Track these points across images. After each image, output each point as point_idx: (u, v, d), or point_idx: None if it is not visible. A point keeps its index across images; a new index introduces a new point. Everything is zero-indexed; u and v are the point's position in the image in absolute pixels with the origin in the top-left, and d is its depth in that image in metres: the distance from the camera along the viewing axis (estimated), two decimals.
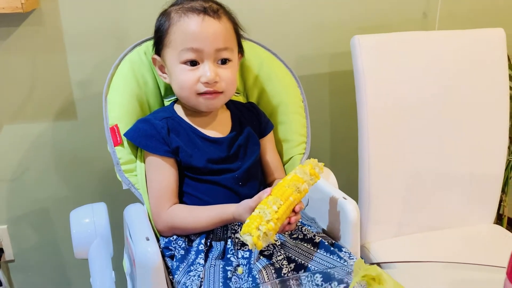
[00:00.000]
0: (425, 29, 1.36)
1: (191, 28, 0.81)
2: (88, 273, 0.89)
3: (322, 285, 0.66)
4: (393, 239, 1.18)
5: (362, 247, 1.17)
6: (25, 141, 1.17)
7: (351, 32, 1.16)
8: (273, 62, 1.01)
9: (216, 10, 0.83)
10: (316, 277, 0.69)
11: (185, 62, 0.82)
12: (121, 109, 0.88)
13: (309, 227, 0.84)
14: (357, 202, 1.16)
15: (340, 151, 1.43)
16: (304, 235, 0.80)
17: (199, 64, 0.82)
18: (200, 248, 0.78)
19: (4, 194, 1.20)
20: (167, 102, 0.97)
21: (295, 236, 0.81)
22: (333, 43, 1.30)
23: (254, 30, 0.96)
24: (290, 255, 0.77)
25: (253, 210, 0.71)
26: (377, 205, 1.16)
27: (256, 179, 0.90)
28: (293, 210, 0.74)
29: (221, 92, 0.85)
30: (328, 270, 0.73)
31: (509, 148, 1.55)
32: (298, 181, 0.74)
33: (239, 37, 0.89)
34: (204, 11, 0.81)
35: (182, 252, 0.79)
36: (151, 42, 0.93)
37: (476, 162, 1.21)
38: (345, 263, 0.75)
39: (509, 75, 1.33)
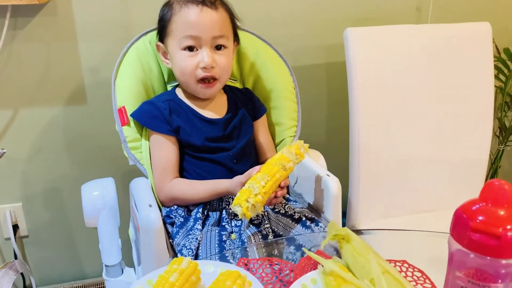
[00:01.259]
0: (419, 23, 1.40)
1: (190, 18, 0.88)
2: (97, 246, 0.97)
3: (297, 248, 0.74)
4: (381, 220, 1.23)
5: (352, 228, 1.23)
6: (38, 124, 1.23)
7: (348, 24, 1.20)
8: (268, 51, 1.08)
9: (213, 1, 0.91)
10: (293, 242, 0.76)
11: (184, 48, 0.90)
12: (128, 92, 0.97)
13: (294, 203, 0.92)
14: (348, 186, 1.24)
15: (336, 139, 1.47)
16: (286, 211, 0.89)
17: (197, 50, 0.90)
18: (198, 216, 0.87)
19: (19, 173, 1.26)
20: (169, 87, 1.05)
21: (277, 210, 0.89)
22: (330, 35, 1.35)
23: (252, 21, 1.03)
24: (272, 226, 0.85)
25: (243, 185, 0.79)
26: (366, 188, 1.21)
27: (249, 158, 0.98)
28: (279, 186, 0.81)
29: (217, 79, 0.92)
30: (303, 236, 0.81)
31: (498, 137, 1.62)
32: (284, 160, 0.82)
33: (234, 27, 0.96)
34: (203, 2, 0.89)
35: (182, 219, 0.88)
36: (155, 32, 1.00)
37: (462, 148, 1.26)
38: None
39: (495, 65, 1.39)
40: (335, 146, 1.44)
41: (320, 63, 1.39)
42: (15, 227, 1.30)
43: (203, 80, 0.91)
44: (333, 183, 0.86)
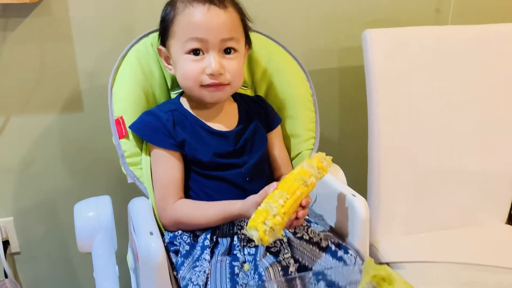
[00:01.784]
0: (437, 24, 1.34)
1: (195, 18, 0.80)
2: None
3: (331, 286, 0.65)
4: (402, 237, 1.16)
5: (371, 245, 1.15)
6: (31, 133, 1.16)
7: (361, 26, 1.14)
8: (282, 55, 0.99)
9: (222, 0, 0.82)
10: (323, 277, 0.67)
11: (189, 52, 0.81)
12: (126, 100, 0.87)
13: (315, 225, 0.83)
14: (365, 199, 1.16)
15: (349, 147, 1.41)
16: (310, 237, 0.79)
17: (203, 54, 0.81)
18: (205, 244, 0.77)
19: (10, 185, 1.19)
20: (173, 95, 0.96)
21: (299, 235, 0.79)
22: (343, 37, 1.28)
23: (261, 22, 0.94)
24: (294, 255, 0.75)
25: (259, 205, 0.70)
26: (386, 203, 1.14)
27: (263, 175, 0.88)
28: (300, 205, 0.72)
29: (227, 84, 0.83)
30: (335, 269, 0.71)
31: None
32: (305, 175, 0.73)
33: (246, 28, 0.87)
34: (210, 1, 0.80)
35: (187, 247, 0.78)
36: (157, 33, 0.92)
37: (488, 160, 1.19)
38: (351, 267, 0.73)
39: None
40: (349, 156, 1.36)
41: (332, 67, 1.33)
42: (6, 243, 1.23)
43: (209, 84, 0.82)
44: (360, 205, 0.76)
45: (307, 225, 0.81)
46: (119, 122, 0.86)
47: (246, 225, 0.69)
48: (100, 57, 1.13)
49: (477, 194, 1.20)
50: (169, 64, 0.87)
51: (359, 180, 1.16)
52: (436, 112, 1.14)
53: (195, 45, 0.80)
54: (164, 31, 0.85)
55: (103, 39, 1.12)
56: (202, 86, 0.82)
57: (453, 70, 1.15)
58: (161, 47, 0.87)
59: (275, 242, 0.74)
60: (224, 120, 0.88)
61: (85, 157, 1.21)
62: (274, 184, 0.72)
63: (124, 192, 0.97)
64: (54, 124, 1.17)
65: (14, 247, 1.24)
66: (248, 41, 0.89)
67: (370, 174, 1.14)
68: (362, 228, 0.77)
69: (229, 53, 0.82)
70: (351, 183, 0.96)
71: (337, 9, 1.25)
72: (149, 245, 0.69)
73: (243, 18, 0.86)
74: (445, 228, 1.18)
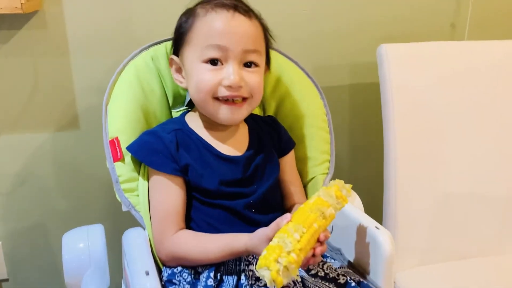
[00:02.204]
0: (453, 39, 1.30)
1: (218, 23, 0.73)
2: None
3: None
4: (420, 268, 1.09)
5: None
6: (23, 151, 1.11)
7: (374, 41, 1.11)
8: (293, 71, 0.92)
9: (247, 9, 0.76)
10: None
11: (206, 61, 0.74)
12: (123, 120, 0.80)
13: (332, 261, 0.74)
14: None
15: (362, 170, 1.35)
16: (326, 273, 0.70)
17: (222, 64, 0.74)
18: (209, 283, 0.68)
19: None
20: (175, 114, 0.88)
21: (313, 272, 0.71)
22: (355, 53, 1.24)
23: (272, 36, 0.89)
24: None
25: (270, 240, 0.61)
26: (403, 230, 1.08)
27: (273, 206, 0.80)
28: (318, 240, 0.64)
29: (246, 99, 0.76)
30: None
31: None
32: (323, 205, 0.65)
33: (267, 45, 0.80)
34: (235, 8, 0.74)
35: (188, 286, 0.70)
36: (159, 47, 0.86)
37: None
38: None
39: None
40: (362, 179, 1.32)
41: (343, 84, 1.28)
42: None
43: (227, 100, 0.75)
44: (385, 239, 0.68)
45: (322, 261, 0.72)
46: (114, 143, 0.78)
47: (256, 260, 0.61)
48: (98, 72, 1.08)
49: (500, 221, 1.14)
50: (180, 75, 0.80)
51: (373, 204, 1.11)
52: (456, 131, 1.10)
53: (214, 53, 0.73)
54: (179, 39, 0.78)
55: (101, 53, 1.07)
56: (217, 99, 0.75)
57: (473, 86, 1.11)
58: (173, 57, 0.80)
59: (288, 283, 0.66)
60: (234, 143, 0.80)
61: (80, 178, 1.16)
62: (288, 215, 0.64)
63: (121, 219, 0.90)
64: (48, 142, 1.12)
65: (1, 273, 1.19)
66: (268, 61, 0.82)
67: (386, 199, 1.08)
68: (387, 265, 0.69)
69: (249, 66, 0.75)
70: (365, 207, 0.90)
71: (350, 24, 1.22)
72: (144, 286, 0.61)
73: (266, 34, 0.80)
74: (466, 258, 1.12)
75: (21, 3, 0.90)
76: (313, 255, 0.64)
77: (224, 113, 0.76)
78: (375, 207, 1.10)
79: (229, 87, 0.73)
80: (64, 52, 1.05)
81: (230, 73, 0.72)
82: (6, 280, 1.20)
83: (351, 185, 0.70)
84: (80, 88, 1.09)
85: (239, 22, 0.73)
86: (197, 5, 0.78)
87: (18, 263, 1.19)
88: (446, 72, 1.09)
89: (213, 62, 0.73)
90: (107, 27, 1.06)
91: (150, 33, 0.90)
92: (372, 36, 1.21)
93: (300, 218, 0.63)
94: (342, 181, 0.70)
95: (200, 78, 0.74)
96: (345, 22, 1.20)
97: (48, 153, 1.12)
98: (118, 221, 1.03)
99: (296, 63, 0.93)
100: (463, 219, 1.11)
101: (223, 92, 0.74)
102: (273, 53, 0.92)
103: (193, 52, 0.75)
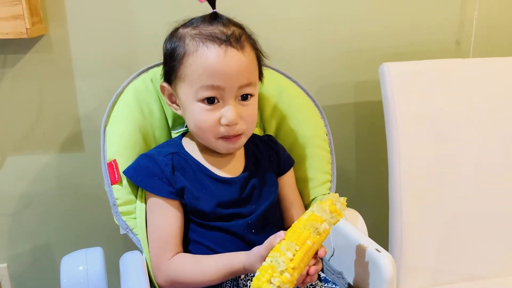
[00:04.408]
0: (458, 57, 1.29)
1: (211, 63, 0.71)
2: None
3: None
4: None
5: None
6: (28, 174, 1.12)
7: (378, 59, 1.10)
8: (293, 90, 0.92)
9: (239, 37, 0.73)
10: None
11: (202, 100, 0.73)
12: (121, 142, 0.80)
13: (333, 285, 0.72)
14: (387, 247, 1.07)
15: (367, 189, 1.33)
16: None
17: (218, 101, 0.74)
18: None
19: (4, 229, 1.14)
20: (174, 134, 0.88)
21: None
22: (359, 71, 1.23)
23: (272, 56, 0.88)
24: None
25: (264, 259, 0.60)
26: (410, 251, 1.05)
27: (273, 226, 0.79)
28: (314, 257, 0.62)
29: (241, 134, 0.76)
30: None
31: None
32: (316, 221, 0.63)
33: (260, 65, 0.80)
34: (226, 41, 0.72)
35: None
36: (158, 69, 0.86)
37: None
38: None
39: None
40: (367, 199, 1.31)
41: (347, 102, 1.27)
42: None
43: (225, 136, 0.75)
44: (386, 263, 0.66)
45: (322, 285, 0.70)
46: (112, 165, 0.78)
47: (251, 283, 0.60)
48: (101, 95, 1.09)
49: (510, 241, 1.10)
50: (173, 103, 0.80)
51: (379, 224, 1.09)
52: (462, 149, 1.07)
53: (210, 93, 0.72)
54: (170, 70, 0.77)
55: (105, 77, 1.08)
56: (218, 138, 0.75)
57: (478, 104, 1.09)
58: (164, 85, 0.79)
59: None
60: (230, 165, 0.80)
61: (85, 199, 1.16)
62: (281, 233, 0.63)
63: (124, 242, 0.89)
64: (53, 164, 1.13)
65: None
66: (260, 76, 0.82)
67: (392, 219, 1.06)
68: None
69: (245, 99, 0.75)
70: (371, 228, 0.89)
71: (354, 43, 1.21)
72: None
73: (258, 54, 0.79)
74: (477, 279, 1.09)
75: (27, 28, 0.92)
76: (308, 274, 0.62)
77: (223, 147, 0.77)
78: (382, 223, 1.09)
79: (227, 125, 0.73)
80: (69, 75, 1.07)
81: (227, 111, 0.73)
82: None
83: (346, 198, 0.69)
84: (85, 111, 1.10)
85: (233, 58, 0.72)
86: (184, 26, 0.76)
87: (23, 285, 1.18)
88: (450, 89, 1.07)
89: (210, 100, 0.73)
90: (112, 51, 1.07)
91: (153, 56, 0.90)
92: (377, 54, 1.21)
93: (293, 235, 0.62)
94: (337, 195, 0.68)
95: (198, 119, 0.74)
96: (349, 40, 1.20)
97: (53, 174, 1.12)
98: (121, 244, 1.03)
99: (296, 82, 0.93)
100: (472, 240, 1.08)
101: (222, 132, 0.74)
102: (273, 73, 0.92)
103: (187, 90, 0.74)
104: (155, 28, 1.05)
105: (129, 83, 0.85)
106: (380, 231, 1.04)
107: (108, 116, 0.82)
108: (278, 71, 0.93)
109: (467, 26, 1.26)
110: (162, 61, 0.81)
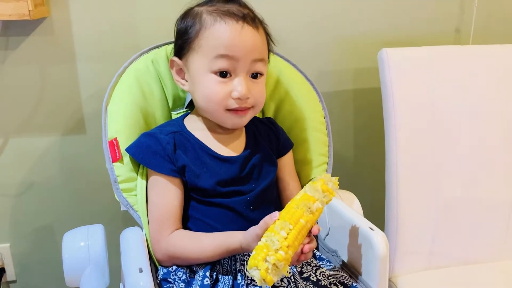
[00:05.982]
0: (458, 45, 1.28)
1: (229, 34, 0.73)
2: None
3: None
4: (423, 272, 1.07)
5: (389, 281, 1.06)
6: (30, 155, 1.13)
7: (378, 47, 1.09)
8: (292, 73, 0.93)
9: (253, 19, 0.76)
10: None
11: (216, 72, 0.75)
12: (122, 121, 0.81)
13: (327, 263, 0.74)
14: (383, 230, 1.08)
15: (364, 174, 1.34)
16: (318, 280, 0.70)
17: (230, 75, 0.75)
18: (205, 283, 0.69)
19: (7, 210, 1.15)
20: (175, 115, 0.90)
21: (305, 276, 0.71)
22: (359, 58, 1.23)
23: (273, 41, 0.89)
24: None
25: (260, 238, 0.62)
26: (406, 234, 1.06)
27: (270, 204, 0.81)
28: (308, 234, 0.64)
29: (250, 108, 0.78)
30: None
31: None
32: (309, 200, 0.65)
33: (269, 49, 0.82)
34: (244, 18, 0.74)
35: (183, 285, 0.70)
36: (159, 50, 0.87)
37: None
38: None
39: None
40: (364, 183, 1.32)
41: (346, 89, 1.28)
42: (1, 271, 1.18)
43: (236, 108, 0.77)
44: (379, 240, 0.68)
45: (316, 266, 0.72)
46: (113, 144, 0.79)
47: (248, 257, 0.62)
48: (104, 77, 1.07)
49: (505, 226, 1.12)
50: (182, 78, 0.81)
51: (376, 209, 1.10)
52: (460, 135, 1.08)
53: (224, 64, 0.74)
54: (184, 43, 0.78)
55: (107, 59, 1.08)
56: (227, 110, 0.77)
57: (477, 91, 1.09)
58: (175, 59, 0.80)
59: (282, 280, 0.66)
60: (231, 144, 0.82)
61: (87, 181, 1.17)
62: (276, 213, 0.64)
63: (127, 221, 0.91)
64: (56, 146, 1.13)
65: (10, 275, 1.20)
66: (268, 59, 0.84)
67: (388, 203, 1.07)
68: (381, 266, 0.68)
69: (255, 77, 0.77)
70: (367, 212, 0.90)
71: (353, 30, 1.21)
72: (138, 284, 0.61)
73: (269, 39, 0.81)
74: (471, 263, 1.10)
75: (29, 10, 0.92)
76: (302, 252, 0.64)
77: (230, 120, 0.78)
78: (379, 209, 1.10)
79: (238, 99, 0.75)
80: (71, 58, 1.07)
81: (239, 84, 0.74)
82: (14, 281, 1.21)
83: (338, 177, 0.70)
84: (87, 93, 1.10)
85: (249, 34, 0.74)
86: (199, 5, 0.79)
87: (26, 265, 1.20)
88: (449, 76, 1.08)
89: (222, 73, 0.75)
90: (113, 32, 1.07)
91: (156, 39, 0.91)
92: (376, 41, 1.20)
93: (287, 215, 0.63)
94: (329, 175, 0.70)
95: (210, 90, 0.75)
96: (349, 27, 1.20)
97: (55, 156, 1.13)
98: (124, 222, 1.04)
99: (295, 66, 0.94)
100: (466, 224, 1.09)
101: (232, 104, 0.76)
102: (273, 57, 0.93)
103: (201, 61, 0.75)
104: (157, 10, 1.07)
105: (130, 63, 0.86)
106: (376, 216, 1.05)
107: (110, 96, 0.84)
108: (278, 54, 0.94)
109: (467, 13, 1.25)
110: (162, 42, 0.82)
